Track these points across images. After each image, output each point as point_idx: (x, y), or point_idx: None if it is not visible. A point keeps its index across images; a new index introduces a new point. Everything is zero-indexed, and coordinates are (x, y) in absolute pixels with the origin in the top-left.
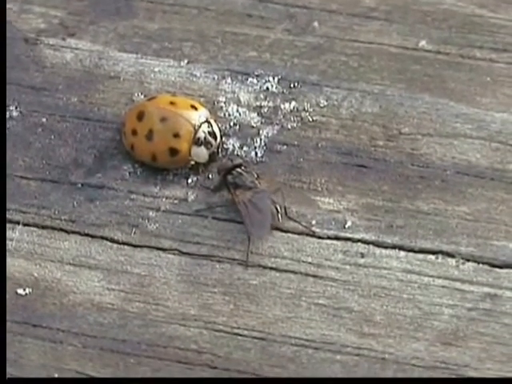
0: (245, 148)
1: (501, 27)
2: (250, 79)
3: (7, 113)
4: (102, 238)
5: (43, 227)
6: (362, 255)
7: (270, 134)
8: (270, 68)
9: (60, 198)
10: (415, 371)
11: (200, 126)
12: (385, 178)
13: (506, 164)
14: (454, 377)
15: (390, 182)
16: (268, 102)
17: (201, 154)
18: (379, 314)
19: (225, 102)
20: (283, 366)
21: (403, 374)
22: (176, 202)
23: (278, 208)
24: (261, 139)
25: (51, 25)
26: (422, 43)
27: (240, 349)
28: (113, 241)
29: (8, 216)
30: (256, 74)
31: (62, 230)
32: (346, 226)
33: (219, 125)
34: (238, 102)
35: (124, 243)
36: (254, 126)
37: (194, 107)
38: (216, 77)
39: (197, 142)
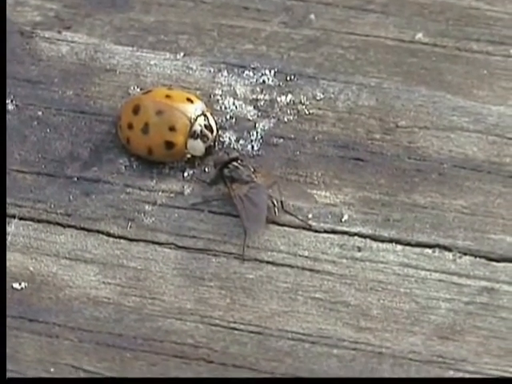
0: (241, 141)
1: (497, 20)
2: (246, 72)
3: None
4: (98, 231)
5: (39, 221)
6: (359, 249)
7: (266, 127)
8: (266, 61)
9: (56, 192)
10: (412, 365)
11: (196, 119)
12: (381, 171)
13: (502, 157)
14: (451, 371)
15: (387, 175)
16: (264, 94)
17: (197, 147)
18: (376, 308)
19: (221, 95)
20: (280, 360)
21: (400, 368)
22: (172, 195)
23: (275, 202)
24: (257, 132)
25: (47, 18)
26: (419, 36)
27: (236, 343)
28: (109, 235)
29: None
30: (252, 66)
31: (57, 223)
32: (343, 220)
33: (215, 118)
34: (235, 95)
35: (120, 237)
36: (251, 119)
37: (190, 100)
38: (212, 70)
39: (193, 135)
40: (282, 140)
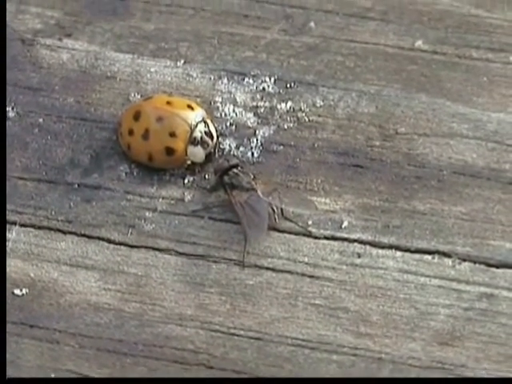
0: (241, 148)
1: (497, 27)
2: (246, 79)
3: None
4: (99, 238)
5: (40, 228)
6: (359, 255)
7: (266, 134)
8: (266, 68)
9: (56, 199)
10: (412, 371)
11: (196, 126)
12: (381, 178)
13: (502, 164)
14: (450, 377)
15: (387, 182)
16: (264, 102)
17: (197, 153)
18: (376, 314)
19: (221, 102)
20: (280, 365)
21: (400, 374)
22: (172, 202)
23: (275, 208)
24: (257, 139)
25: (48, 25)
26: (418, 43)
27: (236, 349)
28: (109, 241)
29: None
30: (252, 74)
31: (58, 230)
32: (343, 226)
33: (215, 125)
34: (235, 102)
35: (120, 243)
36: (251, 126)
37: (190, 107)
38: (212, 77)
39: (193, 141)
40: (281, 147)
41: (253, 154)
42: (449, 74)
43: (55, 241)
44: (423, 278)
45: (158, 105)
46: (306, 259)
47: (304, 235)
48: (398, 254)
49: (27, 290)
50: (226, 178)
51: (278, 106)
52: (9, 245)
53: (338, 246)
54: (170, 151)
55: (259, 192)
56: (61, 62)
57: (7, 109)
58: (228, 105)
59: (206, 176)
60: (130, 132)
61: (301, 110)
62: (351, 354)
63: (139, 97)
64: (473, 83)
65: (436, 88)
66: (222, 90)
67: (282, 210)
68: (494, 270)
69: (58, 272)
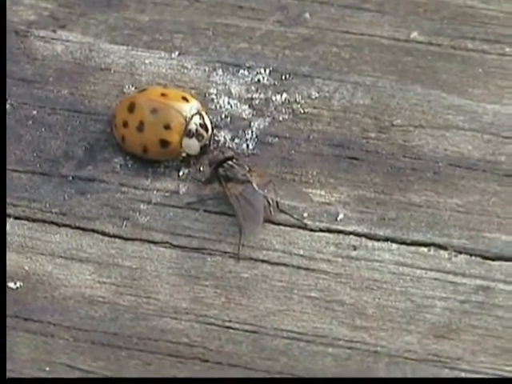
0: (236, 140)
1: (492, 18)
2: (241, 71)
3: None
4: (93, 230)
5: (34, 220)
6: (354, 248)
7: (261, 126)
8: (261, 60)
9: (51, 191)
10: (408, 364)
11: (191, 118)
12: (377, 170)
13: (498, 156)
14: (446, 370)
15: (382, 174)
16: (259, 93)
17: (192, 146)
18: (371, 307)
19: (216, 94)
20: (275, 359)
21: (395, 367)
22: (167, 194)
23: (270, 201)
24: (252, 131)
25: (41, 17)
26: (414, 34)
27: (232, 342)
28: (104, 234)
29: None
30: (247, 65)
31: (52, 223)
32: (338, 219)
33: (210, 117)
34: (230, 94)
35: (115, 236)
36: (246, 118)
37: (185, 99)
38: (207, 69)
39: (188, 133)
40: (276, 139)
41: (248, 145)
42: (444, 66)
43: (49, 233)
44: (419, 270)
45: (152, 97)
46: (301, 252)
47: (299, 228)
48: (394, 246)
49: (21, 283)
50: (220, 171)
51: (273, 98)
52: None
53: (333, 238)
54: (164, 143)
55: (254, 184)
56: (55, 54)
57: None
58: (223, 97)
59: (201, 168)
60: (125, 124)
61: (296, 101)
62: (347, 346)
63: (133, 89)
64: (468, 75)
65: (431, 79)
66: (217, 82)
67: (277, 202)
68: (490, 262)
69: (52, 265)
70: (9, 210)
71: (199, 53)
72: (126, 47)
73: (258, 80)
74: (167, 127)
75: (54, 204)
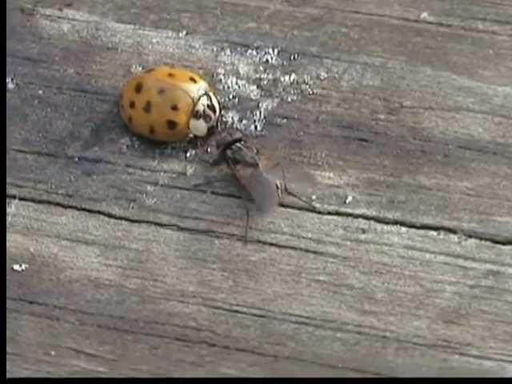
0: (244, 121)
1: None
2: (249, 51)
3: None
4: (99, 212)
5: (40, 202)
6: (363, 231)
7: (269, 107)
8: (269, 40)
9: (57, 172)
10: (417, 349)
11: (199, 99)
12: (386, 152)
13: (508, 138)
14: (456, 356)
15: (392, 156)
16: (268, 74)
17: (199, 127)
18: (380, 291)
19: (224, 75)
20: (283, 343)
21: (404, 352)
22: (174, 176)
23: (278, 183)
24: (260, 112)
25: None
26: (424, 15)
27: (239, 326)
28: (110, 216)
29: None
30: (255, 45)
31: (58, 204)
32: (347, 202)
33: (218, 98)
34: (238, 75)
35: (121, 218)
36: (254, 98)
37: (192, 79)
38: (215, 48)
39: (195, 114)
40: (285, 120)
41: (256, 127)
42: (454, 47)
43: (55, 215)
44: (428, 254)
45: (159, 77)
46: (309, 235)
47: (308, 210)
48: (403, 229)
49: (27, 266)
50: (228, 153)
51: (282, 79)
52: (8, 219)
53: (342, 221)
54: (171, 124)
55: (262, 167)
56: (61, 33)
57: (6, 80)
58: (231, 77)
59: (209, 150)
60: (132, 104)
61: (304, 82)
62: (355, 331)
63: (141, 68)
64: (479, 56)
65: (441, 61)
66: (225, 62)
67: (285, 185)
68: (500, 246)
69: (58, 247)
70: (14, 191)
71: (207, 32)
72: (132, 26)
73: (267, 60)
74: (174, 108)
75: (60, 185)
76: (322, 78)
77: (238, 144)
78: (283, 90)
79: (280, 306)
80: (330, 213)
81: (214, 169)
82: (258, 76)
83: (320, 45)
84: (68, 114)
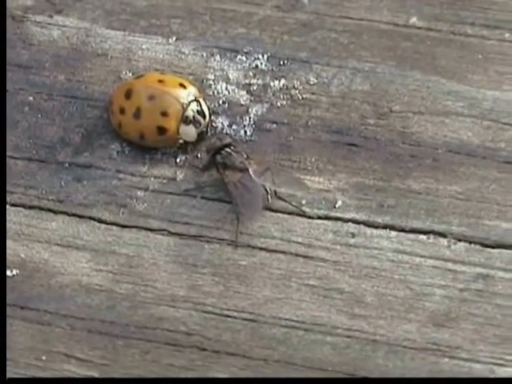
0: (234, 126)
1: (492, 3)
2: (238, 56)
3: None
4: (90, 218)
5: (30, 207)
6: (353, 235)
7: (259, 112)
8: (259, 45)
9: (47, 178)
10: (407, 353)
11: (189, 105)
12: (375, 156)
13: (497, 142)
14: (446, 359)
15: (381, 160)
16: (257, 79)
17: (189, 132)
18: (370, 295)
19: (214, 80)
20: (273, 347)
21: (394, 355)
22: (165, 181)
23: (268, 188)
24: (250, 117)
25: (38, 2)
26: (413, 20)
27: (230, 330)
28: (101, 221)
29: None
30: (245, 51)
31: (49, 210)
32: (337, 206)
33: (208, 103)
34: (227, 80)
35: (112, 223)
36: (243, 104)
37: (182, 85)
38: (205, 54)
39: (185, 120)
40: (275, 125)
41: (245, 132)
42: (443, 51)
43: (46, 221)
44: (418, 258)
45: (149, 83)
46: (299, 239)
47: (298, 215)
48: (393, 233)
49: (18, 271)
50: (218, 158)
51: (271, 84)
52: None
53: (331, 225)
54: (162, 130)
55: (251, 172)
56: (51, 39)
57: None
58: (220, 82)
59: (199, 155)
60: (122, 110)
61: (294, 87)
62: (345, 335)
63: (131, 74)
64: (468, 60)
65: (430, 65)
66: (215, 68)
67: (275, 190)
68: (489, 250)
69: (48, 252)
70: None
71: (197, 38)
72: (122, 32)
73: (256, 66)
74: (164, 114)
75: (51, 191)
76: (311, 83)
77: (228, 149)
78: (273, 95)
79: (270, 310)
80: (319, 217)
81: (204, 174)
82: (247, 81)
83: (309, 50)
84: (58, 119)
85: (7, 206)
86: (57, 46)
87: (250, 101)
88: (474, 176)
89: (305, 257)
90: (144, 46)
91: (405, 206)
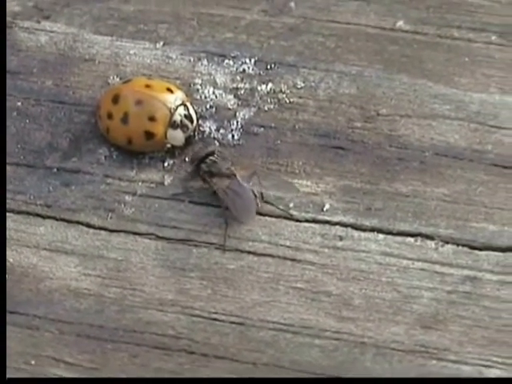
0: (221, 130)
1: (479, 7)
2: (226, 61)
3: None
4: (78, 222)
5: (18, 212)
6: (341, 238)
7: (246, 116)
8: (246, 49)
9: (35, 183)
10: (395, 355)
11: (176, 109)
12: (363, 160)
13: (484, 145)
14: (433, 361)
15: (368, 164)
16: (244, 83)
17: (177, 137)
18: (358, 298)
19: (201, 84)
20: (262, 350)
21: (382, 358)
22: (152, 185)
23: (255, 192)
24: (237, 121)
25: (26, 8)
26: (400, 23)
27: (218, 334)
28: (89, 226)
29: None
30: (232, 55)
31: (37, 215)
32: (324, 209)
33: (195, 107)
34: (215, 84)
35: (100, 228)
36: (231, 108)
37: (169, 90)
38: (192, 59)
39: (173, 125)
40: (262, 129)
41: (233, 136)
42: (430, 55)
43: (34, 225)
44: (406, 260)
45: (136, 88)
46: (287, 242)
47: (285, 218)
48: (380, 236)
49: (6, 276)
50: (203, 167)
51: (259, 88)
52: None
53: (319, 228)
54: (149, 135)
55: (239, 177)
56: (39, 45)
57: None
58: (208, 87)
59: (186, 159)
60: (109, 115)
61: (281, 91)
62: (334, 338)
63: (118, 79)
64: (454, 63)
65: (417, 69)
66: (202, 72)
67: (261, 193)
68: (477, 252)
69: (37, 257)
70: None
71: (184, 43)
72: (110, 38)
73: (243, 70)
74: (152, 119)
75: (39, 196)
76: (298, 86)
77: (212, 157)
78: (260, 99)
79: (258, 313)
80: (307, 220)
81: (192, 179)
82: (234, 85)
83: (296, 54)
84: (46, 125)
85: None
86: (44, 51)
87: (238, 105)
88: (461, 178)
89: (293, 260)
90: (131, 51)
91: (392, 209)
